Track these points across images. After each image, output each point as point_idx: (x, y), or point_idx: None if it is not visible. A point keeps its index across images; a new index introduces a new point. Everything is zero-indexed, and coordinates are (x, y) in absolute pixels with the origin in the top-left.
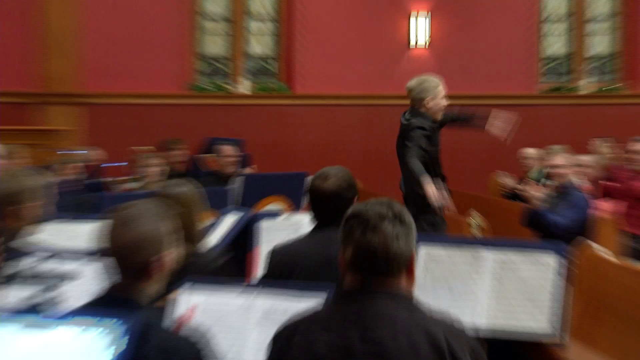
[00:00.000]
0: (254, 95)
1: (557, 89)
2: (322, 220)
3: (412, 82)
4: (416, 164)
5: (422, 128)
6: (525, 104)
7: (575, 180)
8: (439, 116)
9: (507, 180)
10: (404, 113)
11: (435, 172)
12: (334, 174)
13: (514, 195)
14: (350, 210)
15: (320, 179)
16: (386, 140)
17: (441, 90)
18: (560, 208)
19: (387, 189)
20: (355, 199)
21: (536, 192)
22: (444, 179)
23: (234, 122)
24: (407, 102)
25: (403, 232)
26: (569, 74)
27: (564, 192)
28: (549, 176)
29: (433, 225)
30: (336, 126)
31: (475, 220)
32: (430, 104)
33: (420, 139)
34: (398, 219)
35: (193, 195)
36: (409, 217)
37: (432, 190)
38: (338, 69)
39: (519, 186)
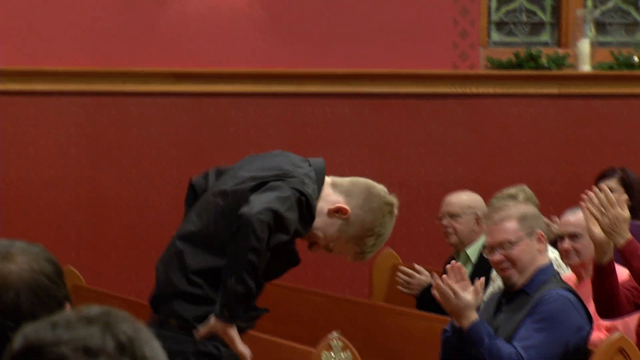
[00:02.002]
0: None
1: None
2: None
3: None
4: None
5: None
6: (457, 93)
7: (554, 260)
8: None
9: (422, 278)
10: None
11: None
12: (21, 250)
13: (426, 299)
14: (20, 341)
15: None
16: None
17: None
18: (524, 328)
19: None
20: (67, 306)
21: (472, 292)
22: None
23: None
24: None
25: None
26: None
27: (529, 290)
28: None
29: None
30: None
31: (337, 355)
32: None
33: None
34: (127, 355)
35: None
36: (151, 348)
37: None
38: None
39: (440, 282)
